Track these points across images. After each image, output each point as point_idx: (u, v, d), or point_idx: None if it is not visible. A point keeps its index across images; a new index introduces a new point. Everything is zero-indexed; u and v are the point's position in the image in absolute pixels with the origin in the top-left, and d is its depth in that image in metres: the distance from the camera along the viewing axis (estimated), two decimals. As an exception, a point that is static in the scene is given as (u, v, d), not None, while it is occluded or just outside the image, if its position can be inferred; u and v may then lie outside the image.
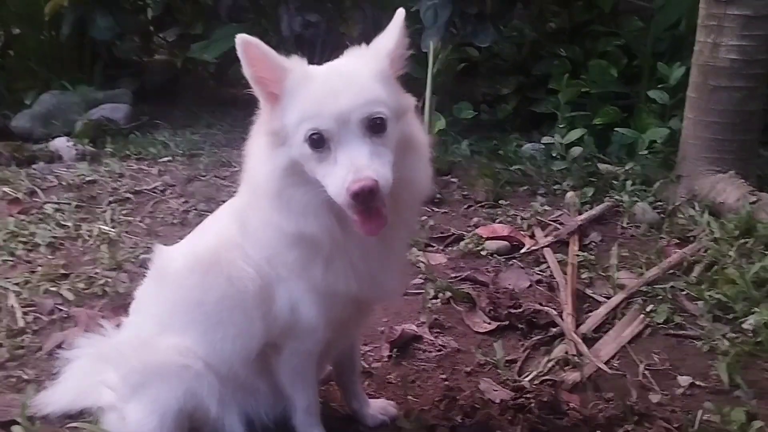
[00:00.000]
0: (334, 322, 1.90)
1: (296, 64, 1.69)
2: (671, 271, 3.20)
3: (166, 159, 5.12)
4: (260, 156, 1.74)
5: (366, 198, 1.54)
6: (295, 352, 1.95)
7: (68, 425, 2.24)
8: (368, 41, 1.80)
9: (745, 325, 2.73)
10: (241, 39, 1.61)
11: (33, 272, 3.30)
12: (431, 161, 1.85)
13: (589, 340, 2.74)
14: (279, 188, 1.70)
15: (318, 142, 1.60)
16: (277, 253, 1.82)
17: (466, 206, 4.14)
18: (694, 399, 2.39)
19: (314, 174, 1.63)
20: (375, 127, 1.61)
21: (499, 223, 3.85)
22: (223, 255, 1.90)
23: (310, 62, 1.83)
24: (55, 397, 2.30)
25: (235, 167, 4.89)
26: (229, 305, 1.91)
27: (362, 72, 1.67)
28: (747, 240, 3.34)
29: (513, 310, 2.91)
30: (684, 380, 2.47)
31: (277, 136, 1.68)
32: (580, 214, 3.86)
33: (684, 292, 3.03)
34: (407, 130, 1.75)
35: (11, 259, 3.45)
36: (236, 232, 1.90)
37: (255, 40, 1.62)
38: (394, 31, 1.74)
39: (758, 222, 3.44)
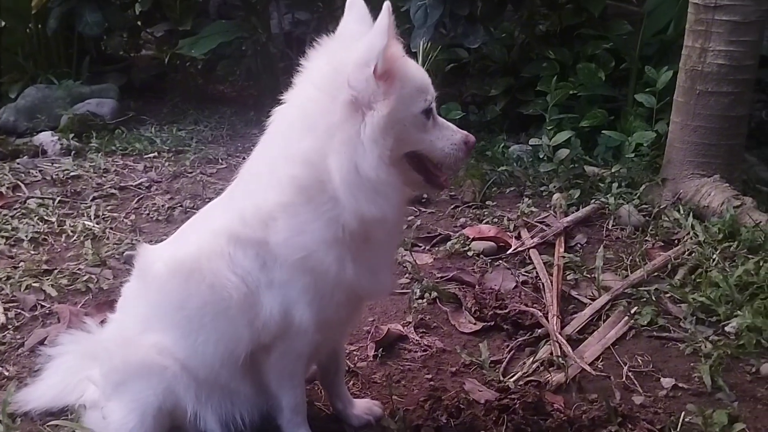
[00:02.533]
0: (327, 322, 1.92)
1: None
2: (655, 273, 3.22)
3: (152, 155, 5.08)
4: (349, 151, 1.72)
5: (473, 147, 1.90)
6: (286, 353, 1.96)
7: (49, 423, 2.22)
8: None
9: (727, 328, 2.76)
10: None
11: (15, 267, 3.28)
12: None
13: (574, 342, 2.75)
14: (390, 167, 1.75)
15: (429, 111, 1.82)
16: (312, 255, 1.81)
17: (453, 206, 4.13)
18: (676, 401, 2.41)
19: (420, 144, 1.83)
20: None
21: (485, 223, 3.86)
22: (205, 264, 1.89)
23: (299, 59, 1.84)
24: (37, 394, 2.29)
25: (221, 164, 4.88)
26: (211, 311, 1.91)
27: None
28: (730, 243, 3.37)
29: (498, 311, 2.92)
30: (667, 382, 2.49)
31: (390, 119, 1.73)
32: (566, 215, 3.87)
33: (668, 295, 3.05)
34: None
35: (-7, 254, 3.42)
36: (224, 243, 1.88)
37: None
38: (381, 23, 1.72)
39: (742, 226, 3.47)
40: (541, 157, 4.63)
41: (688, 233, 3.55)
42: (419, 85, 1.80)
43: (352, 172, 1.72)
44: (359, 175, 1.72)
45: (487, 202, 4.15)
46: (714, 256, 3.25)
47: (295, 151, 1.79)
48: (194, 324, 1.94)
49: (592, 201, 4.03)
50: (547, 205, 4.08)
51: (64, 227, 3.74)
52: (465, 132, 1.87)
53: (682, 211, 3.78)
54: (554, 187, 4.27)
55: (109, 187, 4.37)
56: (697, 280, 3.11)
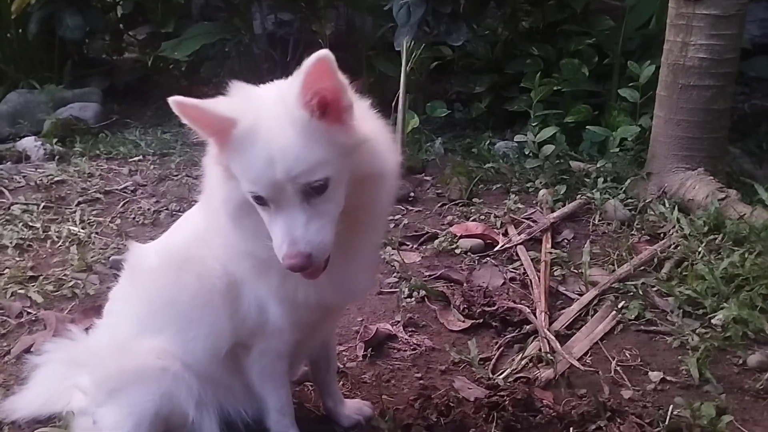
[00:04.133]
0: (300, 324, 1.90)
1: (241, 112, 1.56)
2: (642, 267, 3.23)
3: (136, 158, 5.05)
4: (215, 178, 1.71)
5: (298, 270, 1.56)
6: (264, 353, 1.95)
7: (38, 430, 2.20)
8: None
9: (714, 321, 2.77)
10: (174, 102, 1.54)
11: (0, 275, 3.24)
12: (399, 177, 1.80)
13: (562, 337, 2.75)
14: (233, 216, 1.70)
15: (259, 200, 1.58)
16: (233, 258, 1.83)
17: (439, 204, 4.14)
18: (664, 394, 2.42)
19: (263, 218, 1.61)
20: (315, 190, 1.55)
21: (472, 221, 3.86)
22: (194, 252, 1.90)
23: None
24: (24, 402, 2.26)
25: (207, 167, 4.84)
26: (199, 304, 1.91)
27: (299, 133, 1.53)
28: (716, 236, 3.38)
29: (487, 308, 2.92)
30: (655, 376, 2.50)
31: (228, 170, 1.63)
32: (552, 211, 3.88)
33: (655, 289, 3.06)
34: (365, 159, 1.64)
35: (-22, 261, 3.39)
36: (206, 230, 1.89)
37: (188, 101, 1.54)
38: (298, 75, 1.52)
39: (726, 218, 3.49)
40: (526, 153, 4.65)
41: (674, 227, 3.57)
42: (243, 173, 1.58)
43: (212, 198, 1.74)
44: (214, 203, 1.74)
45: (473, 200, 4.15)
46: (700, 249, 3.27)
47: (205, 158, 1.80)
48: (186, 319, 1.94)
49: (578, 196, 4.04)
50: (534, 202, 4.09)
51: (50, 233, 3.71)
52: (288, 250, 1.54)
53: (667, 205, 3.80)
54: (540, 183, 4.29)
55: (94, 192, 4.34)
56: (684, 274, 3.12)
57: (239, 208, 1.66)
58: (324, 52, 1.49)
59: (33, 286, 3.14)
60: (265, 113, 1.56)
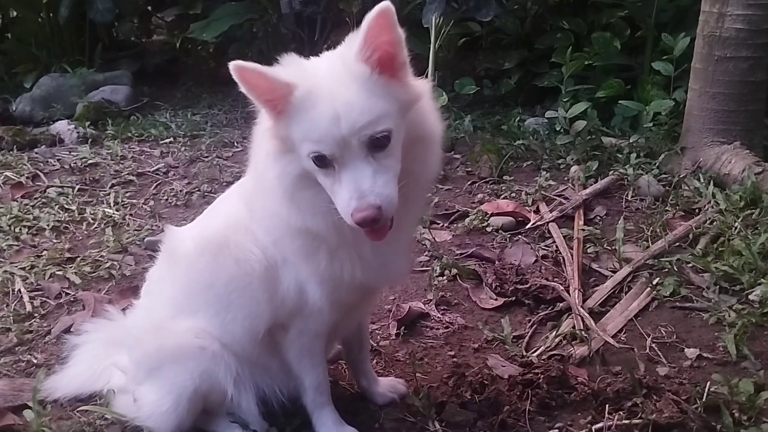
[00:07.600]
0: (339, 304, 1.91)
1: (299, 77, 1.58)
2: (677, 243, 3.19)
3: (167, 140, 5.11)
4: (269, 155, 1.70)
5: (370, 224, 1.54)
6: (302, 332, 1.96)
7: (79, 408, 2.25)
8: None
9: (751, 297, 2.73)
10: (235, 66, 1.52)
11: (38, 256, 3.31)
12: (442, 144, 1.82)
13: (596, 315, 2.74)
14: (290, 191, 1.69)
15: (321, 161, 1.57)
16: (281, 239, 1.83)
17: (470, 182, 4.12)
18: (701, 371, 2.39)
19: (323, 184, 1.62)
20: (378, 142, 1.56)
21: (503, 198, 3.84)
22: (232, 237, 1.91)
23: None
24: (66, 381, 2.32)
25: (237, 147, 4.89)
26: (237, 287, 1.92)
27: (361, 87, 1.56)
28: (752, 211, 3.33)
29: (519, 286, 2.91)
30: (691, 352, 2.48)
31: (285, 143, 1.64)
32: (584, 188, 3.84)
33: (690, 265, 3.02)
34: (417, 119, 1.68)
35: (16, 243, 3.45)
36: (245, 214, 1.90)
37: (249, 65, 1.54)
38: (360, 30, 1.56)
39: (764, 193, 3.43)
40: (557, 129, 4.60)
41: (709, 202, 3.52)
42: (305, 134, 1.57)
43: (265, 176, 1.73)
44: (267, 181, 1.73)
45: (504, 177, 4.13)
46: (736, 224, 3.22)
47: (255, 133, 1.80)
48: (223, 302, 1.96)
49: (611, 172, 3.99)
50: (565, 178, 4.05)
51: (85, 215, 3.78)
52: (357, 204, 1.53)
53: (702, 180, 3.74)
54: (572, 159, 4.24)
55: (127, 174, 4.40)
56: (720, 249, 3.08)
57: (296, 182, 1.67)
58: (385, 4, 1.51)
59: (71, 267, 3.20)
60: (324, 74, 1.60)
